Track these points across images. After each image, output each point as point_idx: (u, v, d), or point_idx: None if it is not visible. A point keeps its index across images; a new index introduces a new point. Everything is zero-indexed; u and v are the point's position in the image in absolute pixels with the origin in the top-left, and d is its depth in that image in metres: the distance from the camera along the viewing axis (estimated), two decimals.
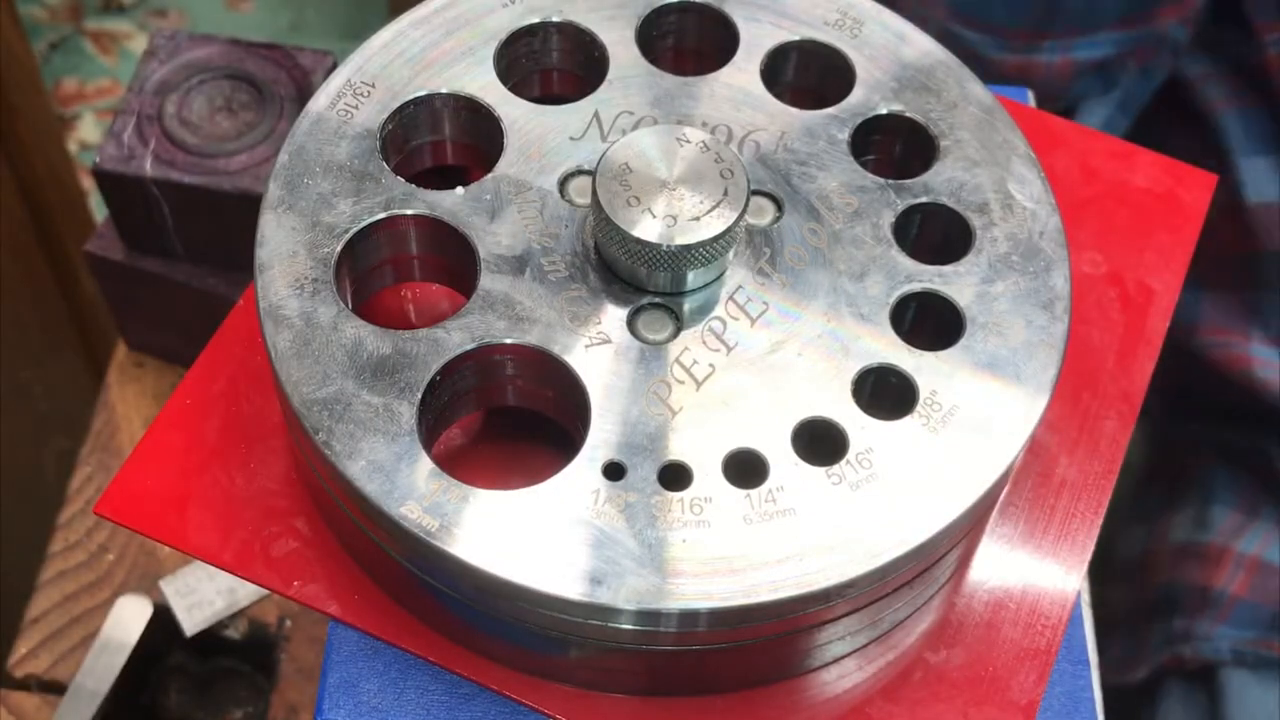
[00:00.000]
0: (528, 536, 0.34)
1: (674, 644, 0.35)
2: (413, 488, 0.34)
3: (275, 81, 0.67)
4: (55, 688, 0.68)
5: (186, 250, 0.68)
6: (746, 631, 0.35)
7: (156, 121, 0.65)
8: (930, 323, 0.38)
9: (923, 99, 0.41)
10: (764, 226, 0.39)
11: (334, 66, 0.52)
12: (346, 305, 0.37)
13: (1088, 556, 0.41)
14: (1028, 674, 0.39)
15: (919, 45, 0.42)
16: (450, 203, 0.39)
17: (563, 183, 0.39)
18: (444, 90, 0.41)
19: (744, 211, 0.36)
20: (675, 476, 0.35)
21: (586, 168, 0.39)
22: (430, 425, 0.37)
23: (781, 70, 0.43)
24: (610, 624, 0.34)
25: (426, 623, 0.38)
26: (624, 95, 0.41)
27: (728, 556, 0.34)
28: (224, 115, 0.66)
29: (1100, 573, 0.42)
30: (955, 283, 0.38)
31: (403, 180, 0.39)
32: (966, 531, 0.38)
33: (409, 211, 0.38)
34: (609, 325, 0.37)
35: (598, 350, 0.37)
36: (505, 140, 0.40)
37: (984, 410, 0.36)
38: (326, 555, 0.39)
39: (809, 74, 0.43)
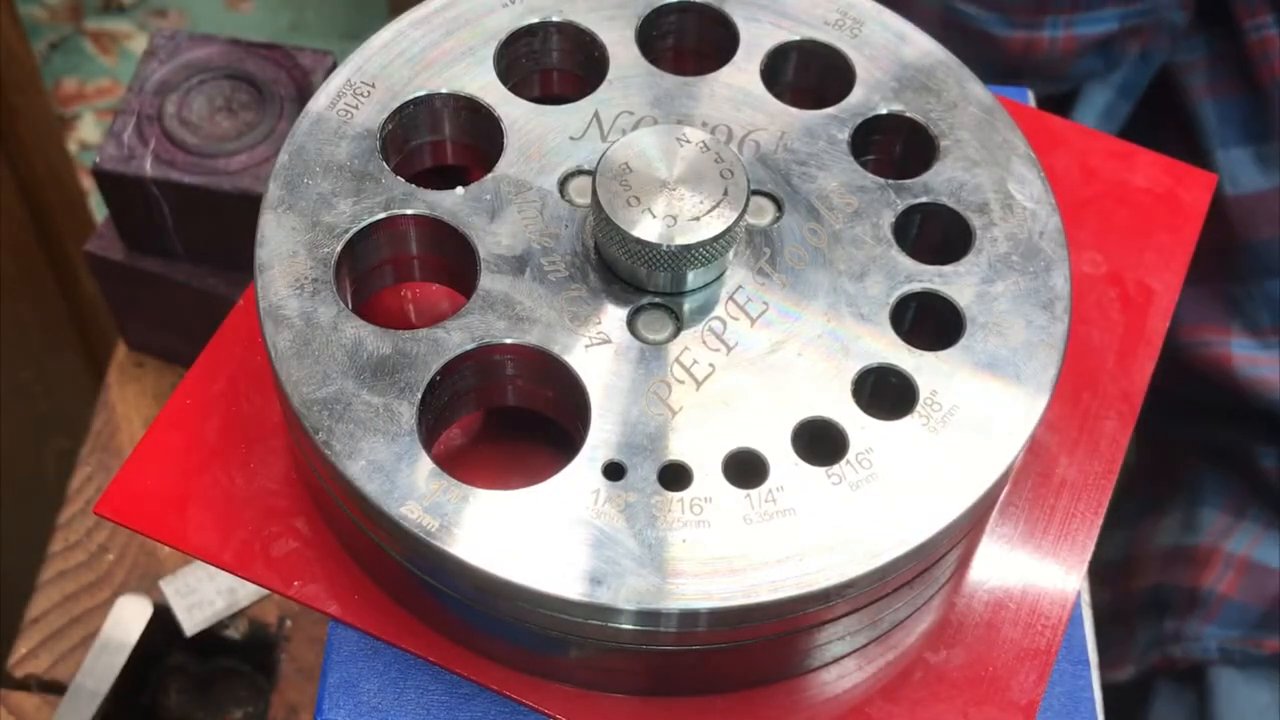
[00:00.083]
0: (528, 536, 0.34)
1: (674, 644, 0.35)
2: (413, 488, 0.34)
3: (275, 81, 0.67)
4: (55, 688, 0.68)
5: (186, 250, 0.68)
6: (746, 631, 0.35)
7: (156, 121, 0.65)
8: (930, 323, 0.38)
9: (923, 99, 0.41)
10: (764, 226, 0.39)
11: (334, 66, 0.52)
12: (346, 305, 0.37)
13: (1088, 556, 0.41)
14: (1028, 674, 0.39)
15: (919, 45, 0.42)
16: (450, 203, 0.39)
17: (563, 183, 0.39)
18: (444, 90, 0.41)
19: (744, 211, 0.36)
20: (675, 476, 0.35)
21: (586, 168, 0.39)
22: (430, 425, 0.37)
23: (781, 70, 0.43)
24: (610, 624, 0.34)
25: (426, 623, 0.38)
26: (624, 95, 0.41)
27: (728, 556, 0.34)
28: (224, 115, 0.66)
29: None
30: (955, 283, 0.38)
31: (403, 180, 0.39)
32: (966, 531, 0.38)
33: (409, 211, 0.38)
34: (609, 325, 0.37)
35: (598, 350, 0.37)
36: (505, 140, 0.40)
37: (984, 410, 0.36)
38: (326, 555, 0.39)
39: (809, 74, 0.43)
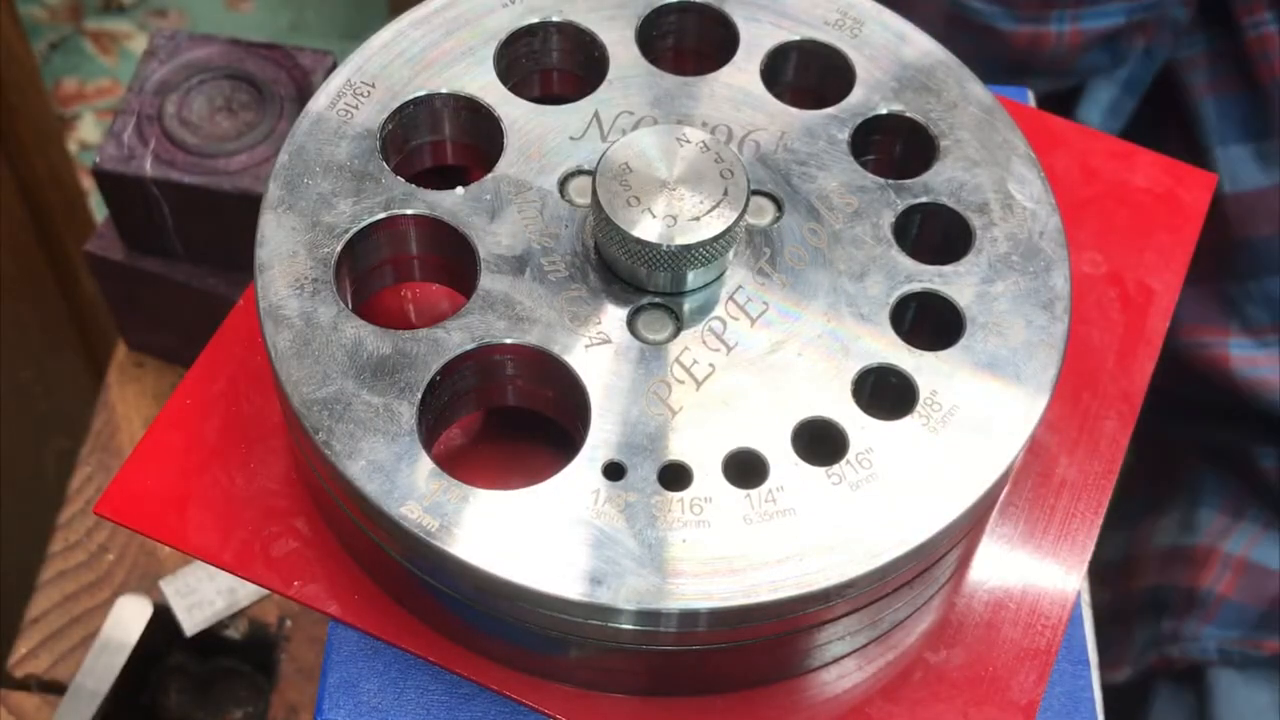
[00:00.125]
0: (528, 536, 0.34)
1: (674, 644, 0.35)
2: (413, 488, 0.34)
3: (275, 81, 0.67)
4: (55, 688, 0.68)
5: (186, 250, 0.68)
6: (746, 631, 0.35)
7: (156, 121, 0.65)
8: (930, 323, 0.38)
9: (923, 99, 0.41)
10: (764, 226, 0.39)
11: (334, 66, 0.52)
12: (346, 305, 0.37)
13: (1088, 556, 0.41)
14: (1028, 674, 0.39)
15: (919, 45, 0.42)
16: (450, 203, 0.39)
17: (563, 183, 0.39)
18: (444, 90, 0.41)
19: (744, 211, 0.36)
20: (675, 476, 0.35)
21: (586, 168, 0.39)
22: (430, 425, 0.37)
23: (781, 70, 0.43)
24: (610, 624, 0.34)
25: (426, 623, 0.38)
26: (624, 95, 0.41)
27: (728, 556, 0.34)
28: (224, 115, 0.66)
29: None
30: (955, 283, 0.38)
31: (403, 180, 0.39)
32: (966, 531, 0.38)
33: (409, 211, 0.38)
34: (609, 325, 0.37)
35: (598, 350, 0.37)
36: (505, 140, 0.40)
37: (984, 410, 0.36)
38: (326, 555, 0.39)
39: (809, 74, 0.43)
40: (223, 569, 0.39)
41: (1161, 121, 0.82)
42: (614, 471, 0.35)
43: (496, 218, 0.38)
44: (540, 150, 0.40)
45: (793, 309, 0.38)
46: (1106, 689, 0.78)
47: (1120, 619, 0.78)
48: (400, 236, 0.39)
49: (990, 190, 0.40)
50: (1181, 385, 0.77)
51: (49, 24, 1.62)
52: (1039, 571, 0.40)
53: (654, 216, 0.36)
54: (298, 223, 0.38)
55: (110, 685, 0.65)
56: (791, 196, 0.39)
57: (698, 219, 0.36)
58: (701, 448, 0.35)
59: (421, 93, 0.40)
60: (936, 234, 0.40)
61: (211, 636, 0.69)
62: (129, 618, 0.67)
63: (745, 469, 0.35)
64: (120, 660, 0.66)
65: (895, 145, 0.42)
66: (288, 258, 0.37)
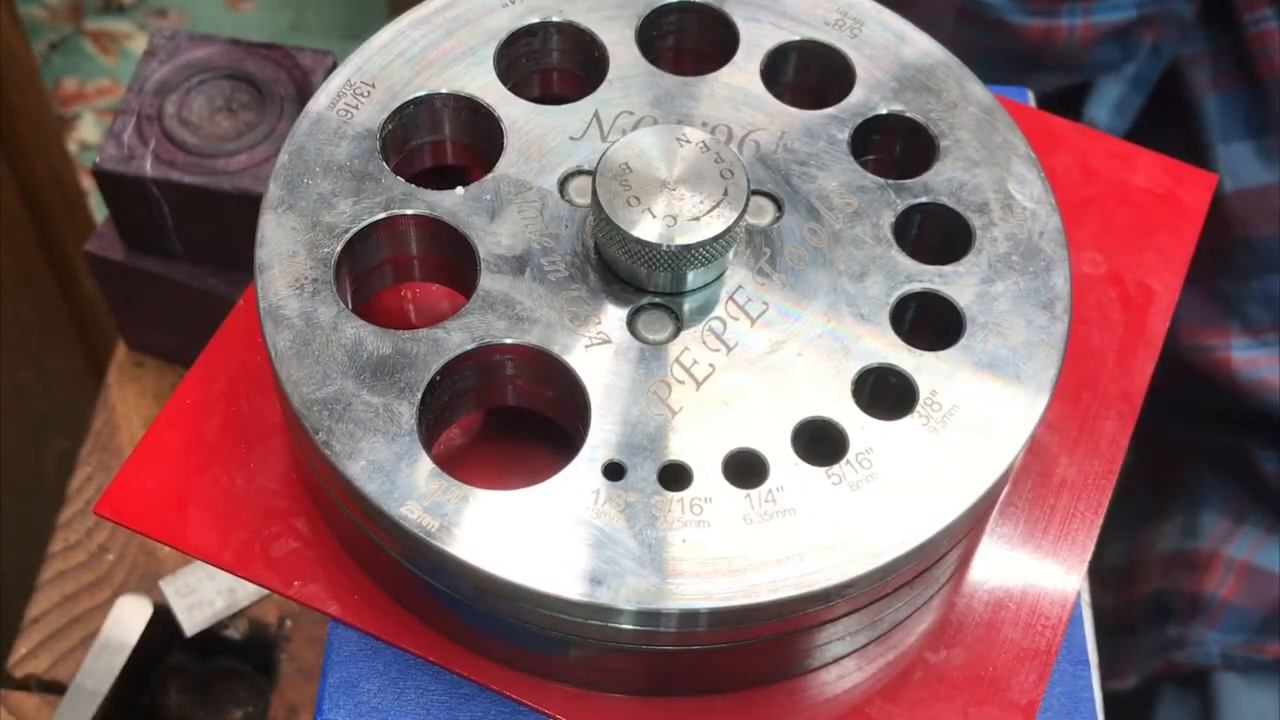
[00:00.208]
0: (528, 536, 0.34)
1: (674, 644, 0.35)
2: (413, 488, 0.34)
3: (275, 81, 0.67)
4: (55, 688, 0.68)
5: (186, 250, 0.68)
6: (746, 631, 0.35)
7: (156, 121, 0.65)
8: (930, 323, 0.38)
9: (923, 99, 0.41)
10: (764, 226, 0.39)
11: (334, 66, 0.52)
12: (346, 305, 0.37)
13: (1088, 556, 0.41)
14: (1028, 674, 0.39)
15: (919, 45, 0.42)
16: (450, 203, 0.39)
17: (563, 183, 0.39)
18: (444, 90, 0.41)
19: (744, 211, 0.36)
20: (675, 476, 0.35)
21: (586, 168, 0.39)
22: (430, 425, 0.37)
23: (781, 70, 0.43)
24: (610, 624, 0.34)
25: (426, 623, 0.38)
26: (624, 95, 0.41)
27: (728, 556, 0.34)
28: (224, 115, 0.66)
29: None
30: (955, 283, 0.38)
31: (403, 180, 0.39)
32: (966, 531, 0.38)
33: (409, 211, 0.38)
34: (609, 325, 0.37)
35: (598, 350, 0.37)
36: (505, 140, 0.40)
37: (984, 410, 0.36)
38: (326, 555, 0.39)
39: (809, 74, 0.43)
40: (223, 569, 0.39)
41: (1165, 119, 0.82)
42: (614, 471, 0.35)
43: (496, 218, 0.38)
44: (540, 150, 0.40)
45: (793, 309, 0.38)
46: (1113, 696, 0.78)
47: (1126, 626, 0.78)
48: (400, 236, 0.39)
49: (990, 190, 0.40)
50: (1182, 386, 0.77)
51: (49, 24, 1.62)
52: (1039, 571, 0.40)
53: (654, 216, 0.36)
54: (298, 223, 0.38)
55: (110, 685, 0.65)
56: (791, 196, 0.39)
57: (698, 219, 0.36)
58: (701, 448, 0.35)
59: (421, 93, 0.40)
60: (936, 234, 0.40)
61: (211, 636, 0.69)
62: (129, 618, 0.67)
63: (745, 469, 0.35)
64: (120, 660, 0.66)
65: (895, 145, 0.42)
66: (288, 258, 0.37)
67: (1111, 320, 0.44)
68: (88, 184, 1.19)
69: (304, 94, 0.67)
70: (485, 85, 0.41)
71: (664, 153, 0.37)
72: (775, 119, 0.41)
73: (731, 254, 0.38)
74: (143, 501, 0.40)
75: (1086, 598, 0.43)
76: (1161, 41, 0.79)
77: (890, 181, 0.40)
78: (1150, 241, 0.46)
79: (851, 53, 0.42)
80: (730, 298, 0.38)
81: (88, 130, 1.53)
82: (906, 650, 0.39)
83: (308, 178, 0.39)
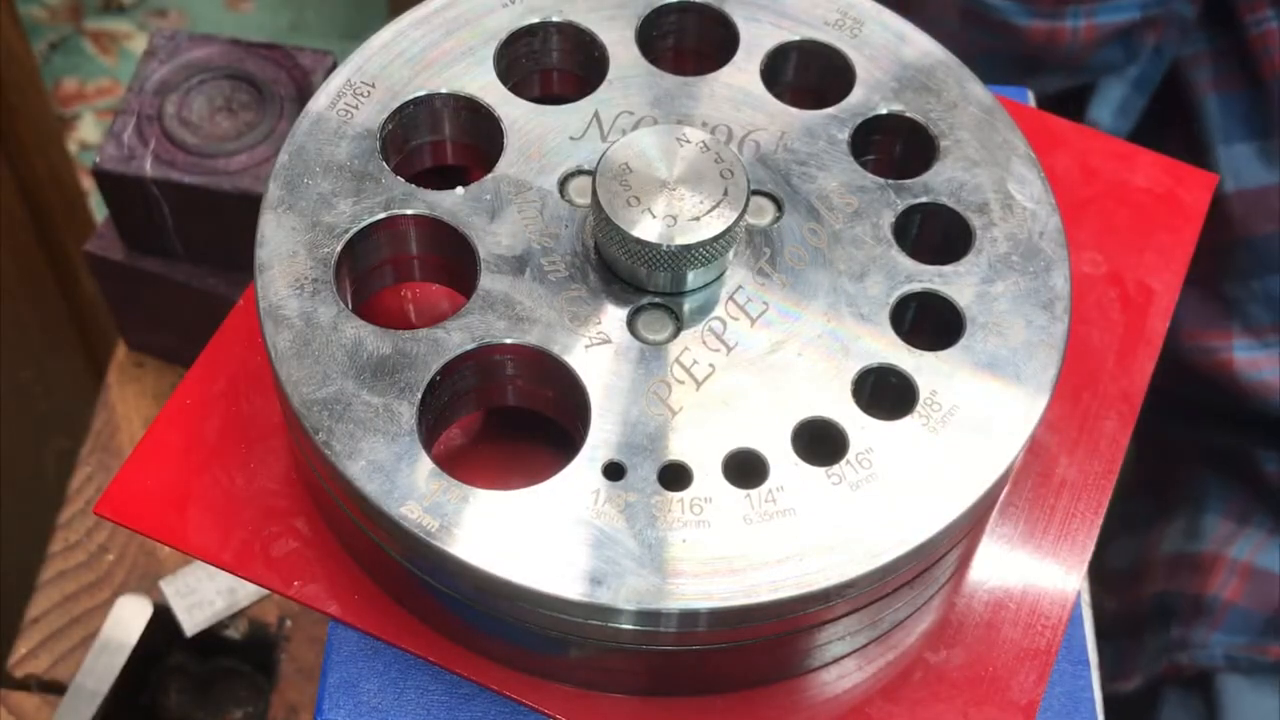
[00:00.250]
0: (528, 536, 0.34)
1: (674, 644, 0.35)
2: (413, 488, 0.34)
3: (275, 81, 0.67)
4: (55, 688, 0.68)
5: (186, 250, 0.68)
6: (746, 631, 0.35)
7: (156, 121, 0.65)
8: (930, 323, 0.38)
9: (923, 99, 0.41)
10: (764, 226, 0.39)
11: (334, 66, 0.52)
12: (346, 305, 0.37)
13: (1088, 556, 0.41)
14: (1028, 674, 0.39)
15: (919, 45, 0.42)
16: (450, 203, 0.39)
17: (563, 183, 0.39)
18: (444, 90, 0.41)
19: (744, 211, 0.36)
20: (675, 476, 0.35)
21: (586, 168, 0.39)
22: (430, 425, 0.37)
23: (781, 70, 0.43)
24: (610, 624, 0.34)
25: (426, 623, 0.38)
26: (624, 95, 0.41)
27: (728, 556, 0.34)
28: (224, 115, 0.66)
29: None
30: (955, 283, 0.38)
31: (403, 180, 0.39)
32: (966, 531, 0.38)
33: (409, 211, 0.38)
34: (609, 325, 0.37)
35: (598, 350, 0.37)
36: (505, 140, 0.40)
37: (984, 410, 0.36)
38: (326, 555, 0.39)
39: (809, 74, 0.43)
40: (223, 569, 0.39)
41: (1166, 120, 0.82)
42: (614, 471, 0.35)
43: (496, 218, 0.38)
44: (540, 150, 0.40)
45: (793, 309, 0.38)
46: (1117, 698, 0.78)
47: (1130, 628, 0.78)
48: (400, 236, 0.39)
49: (990, 190, 0.40)
50: (1183, 387, 0.77)
51: (49, 24, 1.62)
52: (1039, 571, 0.40)
53: (654, 216, 0.36)
54: (298, 223, 0.38)
55: (110, 685, 0.65)
56: (791, 196, 0.39)
57: (698, 219, 0.36)
58: (701, 448, 0.35)
59: (421, 93, 0.40)
60: (936, 234, 0.40)
61: (211, 636, 0.69)
62: (129, 618, 0.67)
63: (745, 469, 0.35)
64: (120, 660, 0.66)
65: (895, 145, 0.42)
66: (288, 258, 0.37)
67: (1111, 320, 0.44)
68: (88, 184, 1.19)
69: (304, 94, 0.67)
70: (485, 85, 0.41)
71: (664, 153, 0.37)
72: (775, 119, 0.41)
73: (731, 254, 0.38)
74: (143, 501, 0.40)
75: (1086, 598, 0.43)
76: (1163, 42, 0.79)
77: (890, 181, 0.40)
78: (1150, 241, 0.46)
79: (851, 53, 0.42)
80: (730, 298, 0.38)
81: (88, 130, 1.53)
82: (906, 650, 0.39)
83: (308, 178, 0.39)
